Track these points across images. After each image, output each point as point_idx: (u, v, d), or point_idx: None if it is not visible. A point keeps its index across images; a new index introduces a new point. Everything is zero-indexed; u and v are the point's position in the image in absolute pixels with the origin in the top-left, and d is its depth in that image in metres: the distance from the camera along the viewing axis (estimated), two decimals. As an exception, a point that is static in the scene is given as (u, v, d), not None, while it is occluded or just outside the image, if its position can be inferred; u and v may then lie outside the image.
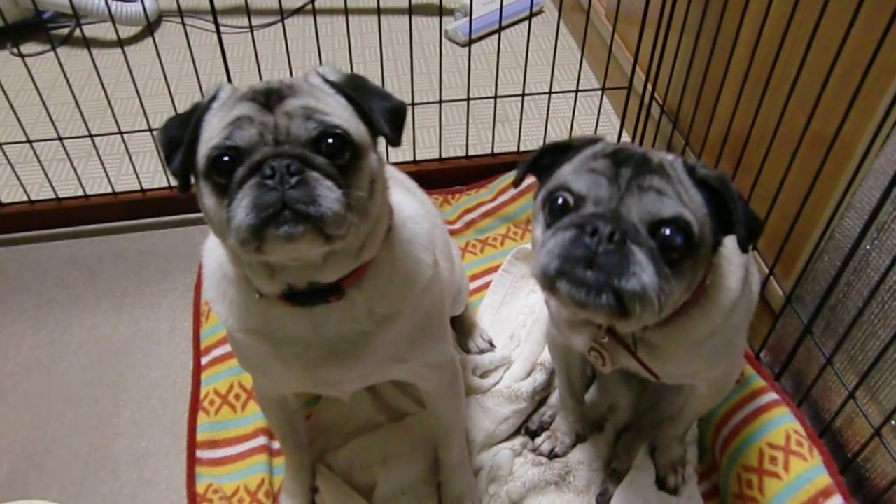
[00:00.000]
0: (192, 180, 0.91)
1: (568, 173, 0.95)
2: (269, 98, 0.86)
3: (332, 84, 0.92)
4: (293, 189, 0.80)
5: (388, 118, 0.92)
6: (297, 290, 0.93)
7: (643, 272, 0.85)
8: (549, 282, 0.88)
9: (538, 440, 1.50)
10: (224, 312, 1.02)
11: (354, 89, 0.92)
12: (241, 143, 0.83)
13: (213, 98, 0.91)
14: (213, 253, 1.04)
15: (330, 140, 0.85)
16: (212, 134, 0.86)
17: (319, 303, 0.95)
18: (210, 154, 0.84)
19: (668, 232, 0.88)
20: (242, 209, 0.80)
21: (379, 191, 0.93)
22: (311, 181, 0.81)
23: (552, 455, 1.48)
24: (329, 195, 0.81)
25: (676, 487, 1.41)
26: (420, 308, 1.06)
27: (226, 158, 0.83)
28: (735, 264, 1.08)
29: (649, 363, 1.11)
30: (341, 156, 0.85)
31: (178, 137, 0.89)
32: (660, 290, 0.86)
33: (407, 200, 1.11)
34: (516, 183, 1.07)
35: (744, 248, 0.94)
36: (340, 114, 0.88)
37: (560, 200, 0.93)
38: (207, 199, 0.87)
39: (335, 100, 0.90)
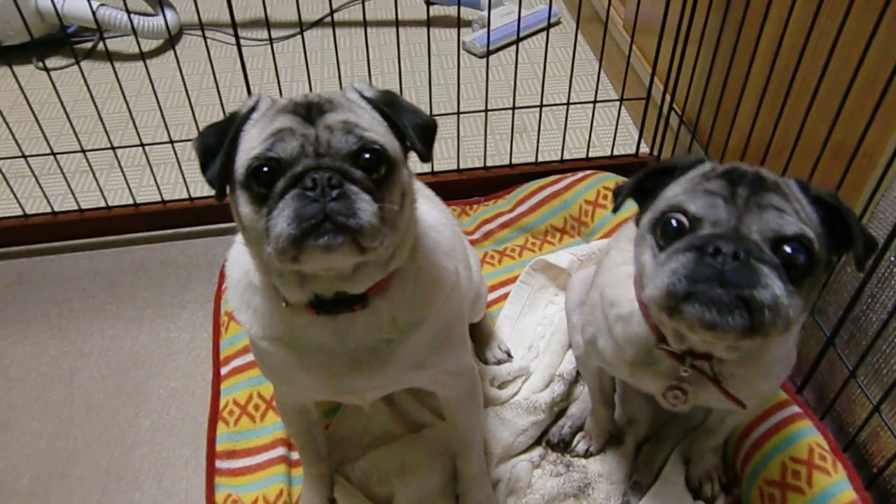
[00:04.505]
0: (227, 189, 0.92)
1: (679, 194, 0.93)
2: (310, 111, 0.88)
3: (368, 100, 0.94)
4: (334, 202, 0.82)
5: (420, 134, 0.94)
6: (323, 299, 0.94)
7: (774, 284, 0.83)
8: (674, 303, 0.86)
9: (574, 441, 1.50)
10: (248, 321, 1.03)
11: (389, 106, 0.94)
12: (283, 155, 0.85)
13: (253, 109, 0.92)
14: (238, 262, 1.05)
15: (367, 155, 0.86)
16: (252, 144, 0.87)
17: (345, 311, 0.96)
18: (251, 164, 0.85)
19: (790, 249, 0.86)
20: (284, 219, 0.82)
21: (408, 204, 0.95)
22: (351, 194, 0.83)
23: (588, 454, 1.48)
24: (367, 208, 0.83)
25: (714, 496, 1.40)
26: (442, 315, 1.07)
27: (265, 169, 0.85)
28: None
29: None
30: (377, 170, 0.87)
31: (215, 146, 0.90)
32: (790, 304, 0.84)
33: (429, 209, 1.12)
34: (615, 208, 1.05)
35: (861, 266, 0.93)
36: (377, 129, 0.90)
37: (674, 223, 0.91)
38: (244, 207, 0.88)
39: (371, 115, 0.92)
